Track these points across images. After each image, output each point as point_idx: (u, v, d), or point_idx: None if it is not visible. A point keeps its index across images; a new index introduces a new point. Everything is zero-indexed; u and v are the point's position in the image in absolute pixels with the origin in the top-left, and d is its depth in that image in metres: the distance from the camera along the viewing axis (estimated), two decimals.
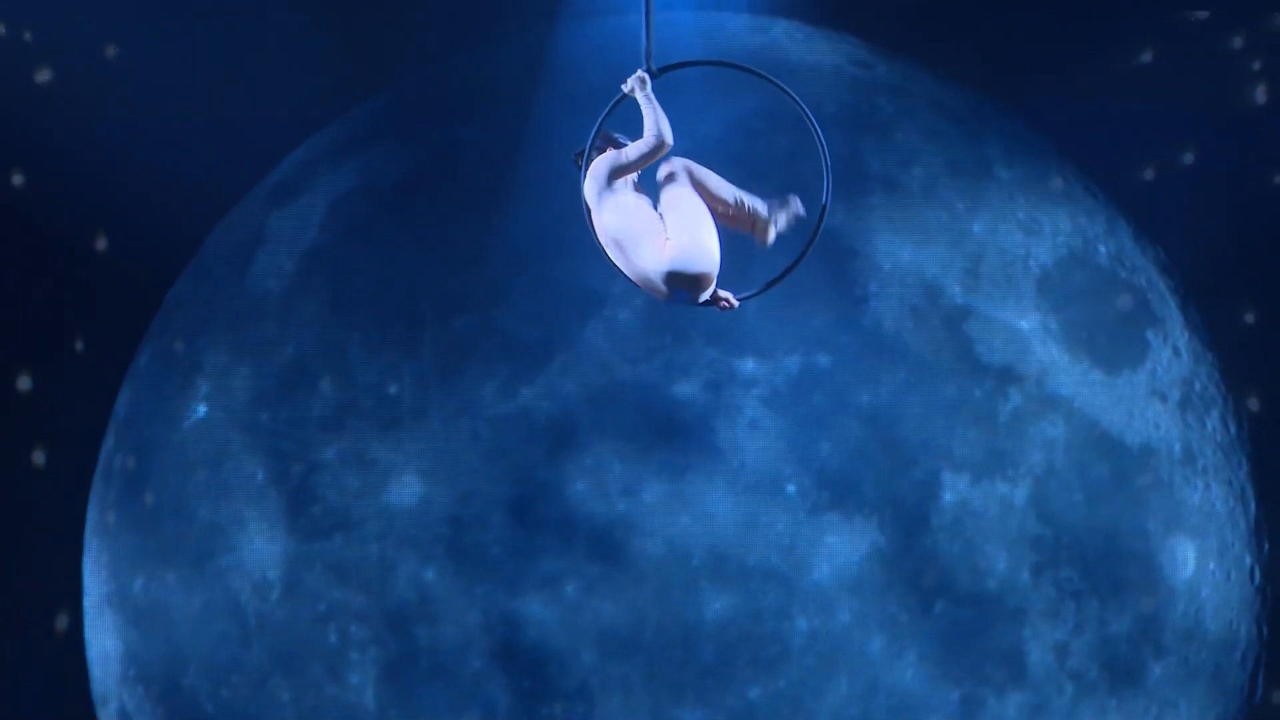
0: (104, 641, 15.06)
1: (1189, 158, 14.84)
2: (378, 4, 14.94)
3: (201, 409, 14.77)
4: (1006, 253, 14.37)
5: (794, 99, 9.33)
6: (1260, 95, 14.76)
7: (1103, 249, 14.64)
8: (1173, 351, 14.60)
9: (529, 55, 14.69)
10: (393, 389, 14.32)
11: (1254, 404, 14.82)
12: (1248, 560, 14.60)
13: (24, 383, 15.24)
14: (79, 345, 15.30)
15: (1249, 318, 14.81)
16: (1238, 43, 14.74)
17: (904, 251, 14.23)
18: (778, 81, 9.40)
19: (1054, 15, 14.69)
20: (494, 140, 14.45)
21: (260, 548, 14.40)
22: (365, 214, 14.77)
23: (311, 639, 14.29)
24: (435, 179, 14.67)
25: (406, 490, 14.22)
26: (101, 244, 15.20)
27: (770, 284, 9.47)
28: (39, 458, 15.27)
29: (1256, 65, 14.77)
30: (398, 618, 14.18)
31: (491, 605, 14.06)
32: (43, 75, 14.82)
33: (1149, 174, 14.84)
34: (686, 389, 14.00)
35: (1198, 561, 14.32)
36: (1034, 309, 14.27)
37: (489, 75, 14.95)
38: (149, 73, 14.80)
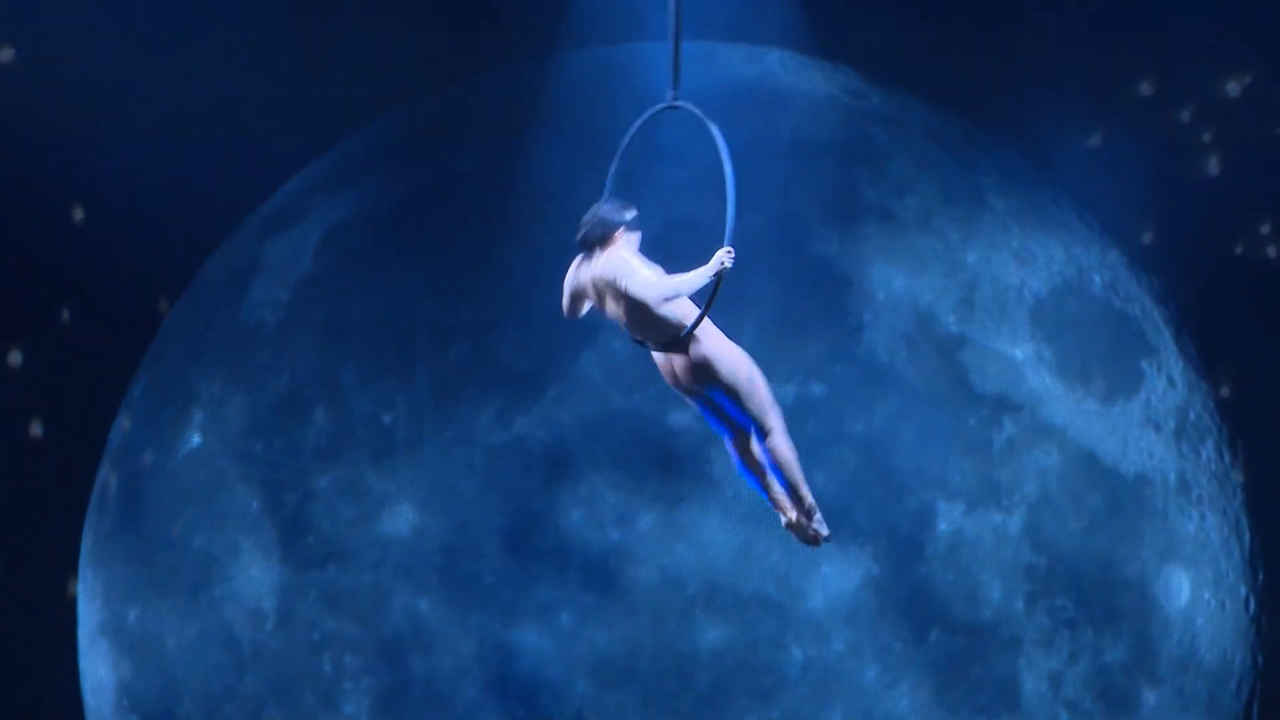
0: (98, 671, 15.04)
1: (1147, 237, 14.95)
2: (372, 33, 14.96)
3: (196, 438, 14.77)
4: (1000, 282, 14.39)
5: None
6: (1213, 166, 14.85)
7: (1097, 278, 14.65)
8: (1167, 381, 14.61)
9: (523, 85, 14.72)
10: (387, 418, 14.31)
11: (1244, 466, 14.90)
12: (1242, 590, 14.59)
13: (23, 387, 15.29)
14: (74, 374, 15.32)
15: (1224, 390, 14.89)
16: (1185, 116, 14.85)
17: (898, 281, 14.24)
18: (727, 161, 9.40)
19: (1047, 45, 14.74)
20: (488, 170, 14.47)
21: (254, 577, 14.39)
22: (360, 243, 14.78)
23: (305, 669, 14.27)
24: (430, 208, 14.68)
25: (401, 520, 14.21)
26: (95, 272, 15.21)
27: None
28: (38, 488, 15.30)
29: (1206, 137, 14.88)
30: (392, 647, 14.16)
31: (486, 635, 14.05)
32: (34, 105, 14.85)
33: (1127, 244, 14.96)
34: (681, 418, 13.99)
35: (1192, 591, 14.31)
36: (1028, 338, 14.28)
37: (483, 105, 14.98)
38: (142, 101, 14.82)
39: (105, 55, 14.76)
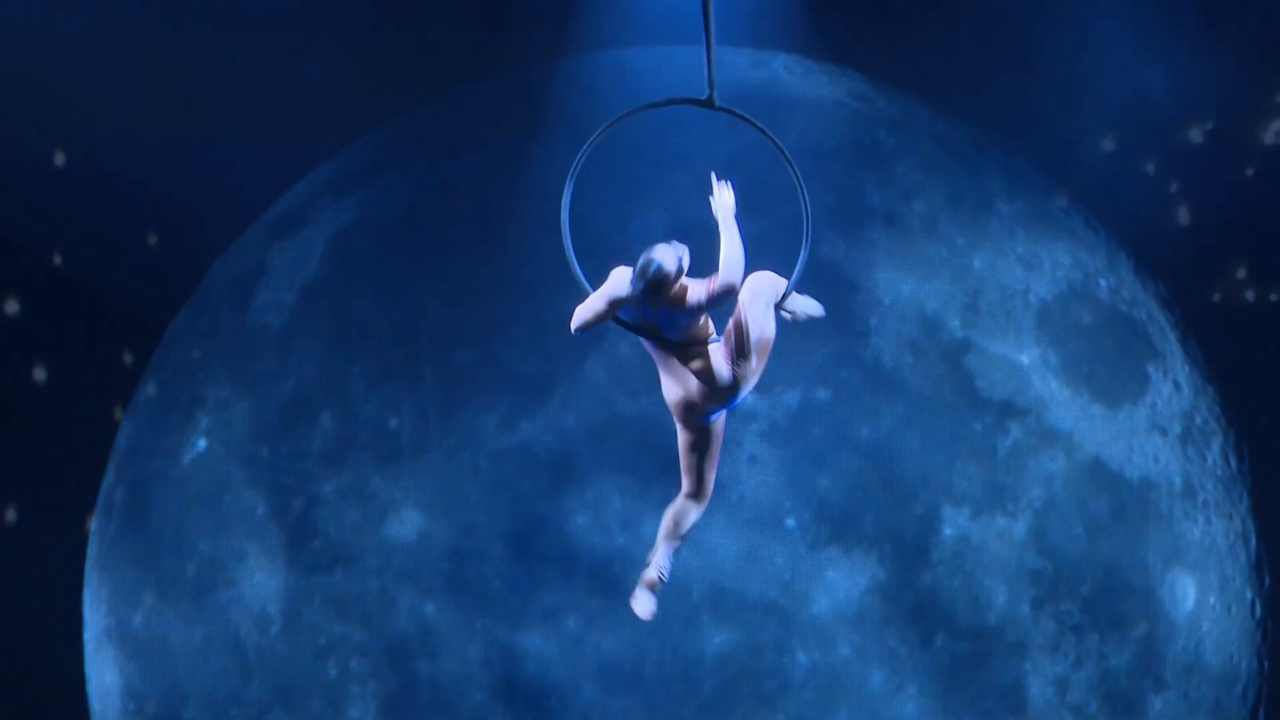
0: (104, 675, 15.05)
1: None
2: (379, 38, 14.97)
3: (202, 443, 14.77)
4: (1006, 287, 14.39)
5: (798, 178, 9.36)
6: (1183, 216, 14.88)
7: (1103, 283, 14.65)
8: (1173, 385, 14.60)
9: (529, 89, 14.73)
10: (393, 423, 14.31)
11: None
12: (1248, 594, 14.58)
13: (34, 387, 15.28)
14: (80, 381, 15.33)
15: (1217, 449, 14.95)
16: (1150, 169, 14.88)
17: (904, 286, 14.24)
18: (790, 161, 9.42)
19: (1053, 53, 14.75)
20: (494, 174, 14.47)
21: (260, 582, 14.40)
22: (366, 248, 14.79)
23: (311, 673, 14.28)
24: (435, 213, 14.69)
25: (407, 524, 14.21)
26: (102, 275, 15.23)
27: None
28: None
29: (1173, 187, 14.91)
30: (398, 651, 14.17)
31: (492, 639, 14.05)
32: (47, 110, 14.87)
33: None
34: None
35: (1198, 595, 14.30)
36: (1034, 343, 14.27)
37: (489, 109, 14.99)
38: (150, 106, 14.84)
39: (111, 65, 14.78)
